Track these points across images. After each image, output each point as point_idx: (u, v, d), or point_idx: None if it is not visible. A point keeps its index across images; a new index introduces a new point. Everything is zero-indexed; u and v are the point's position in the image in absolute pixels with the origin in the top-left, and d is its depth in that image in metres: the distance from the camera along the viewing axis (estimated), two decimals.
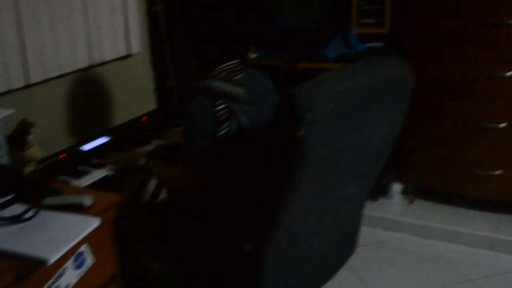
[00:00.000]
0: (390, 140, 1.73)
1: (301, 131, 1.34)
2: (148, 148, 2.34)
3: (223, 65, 1.82)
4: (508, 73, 2.73)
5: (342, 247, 1.93)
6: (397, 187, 3.22)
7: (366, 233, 2.95)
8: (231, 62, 1.83)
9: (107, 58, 2.53)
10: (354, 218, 1.92)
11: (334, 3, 3.23)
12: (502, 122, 2.81)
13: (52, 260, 1.32)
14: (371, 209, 3.10)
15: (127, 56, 2.68)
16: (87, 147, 2.28)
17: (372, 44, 3.12)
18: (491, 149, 2.88)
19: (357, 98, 1.47)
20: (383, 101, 1.58)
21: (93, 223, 1.48)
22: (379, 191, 3.20)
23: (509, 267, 2.73)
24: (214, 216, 1.89)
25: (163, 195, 2.55)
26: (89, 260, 1.53)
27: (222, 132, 1.75)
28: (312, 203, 1.57)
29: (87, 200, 1.58)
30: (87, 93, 2.51)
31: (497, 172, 2.89)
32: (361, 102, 1.49)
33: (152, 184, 2.51)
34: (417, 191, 3.21)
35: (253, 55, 3.28)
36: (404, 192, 3.23)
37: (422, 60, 2.90)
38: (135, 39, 2.64)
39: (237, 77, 1.83)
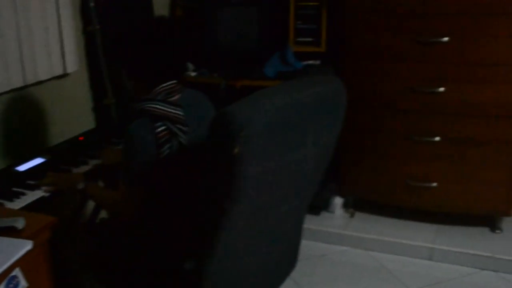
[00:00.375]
0: (326, 155, 1.76)
1: (236, 149, 1.35)
2: (86, 168, 2.30)
3: (161, 86, 1.81)
4: (441, 89, 2.83)
5: (283, 261, 1.94)
6: (338, 201, 3.27)
7: (308, 246, 2.99)
8: (168, 83, 1.82)
9: (42, 78, 2.48)
10: (294, 232, 1.93)
11: (272, 22, 3.28)
12: (436, 136, 2.91)
13: None
14: (313, 223, 3.14)
15: (64, 75, 2.63)
16: (23, 168, 2.21)
17: (309, 62, 3.19)
18: (426, 162, 2.98)
19: (292, 115, 1.50)
20: (318, 117, 1.60)
21: (25, 246, 1.44)
22: (320, 205, 3.24)
23: (448, 276, 2.81)
24: (154, 235, 1.87)
25: (102, 214, 2.51)
26: (23, 284, 1.48)
27: (164, 153, 1.74)
28: (251, 219, 1.57)
29: (19, 223, 1.54)
30: (23, 113, 2.45)
31: (433, 184, 2.98)
32: (296, 119, 1.51)
33: (91, 203, 2.46)
34: (357, 204, 3.27)
35: (193, 74, 3.29)
36: (345, 205, 3.29)
37: (358, 77, 2.97)
38: (71, 58, 2.60)
39: (174, 98, 1.82)
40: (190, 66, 3.33)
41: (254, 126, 1.36)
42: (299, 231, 1.96)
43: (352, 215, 3.25)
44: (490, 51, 2.73)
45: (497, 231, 3.02)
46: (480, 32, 2.72)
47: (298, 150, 1.57)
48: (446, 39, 2.76)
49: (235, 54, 3.30)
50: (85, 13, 2.73)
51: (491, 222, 3.04)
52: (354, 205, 3.27)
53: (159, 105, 1.77)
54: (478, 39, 2.73)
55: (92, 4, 2.67)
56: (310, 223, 3.09)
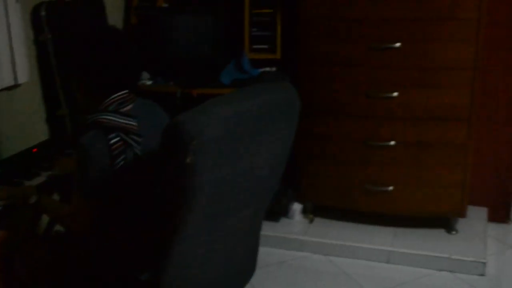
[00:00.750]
0: (281, 162, 1.76)
1: (188, 159, 1.34)
2: (40, 180, 2.24)
3: (112, 97, 1.78)
4: (394, 94, 2.88)
5: (242, 269, 1.93)
6: (297, 207, 3.28)
7: (268, 253, 2.99)
8: (119, 93, 1.79)
9: None
10: (252, 239, 1.93)
11: (227, 30, 3.29)
12: (391, 140, 2.95)
13: None
14: (272, 229, 3.14)
15: (14, 86, 2.57)
16: None
17: (265, 69, 3.20)
18: (383, 166, 3.02)
19: (245, 123, 1.49)
20: (271, 124, 1.61)
21: None
22: (279, 212, 3.25)
23: (406, 278, 2.84)
24: (110, 247, 1.84)
25: (58, 226, 2.46)
26: None
27: (118, 165, 1.72)
28: (206, 228, 1.57)
29: None
30: None
31: (390, 188, 3.02)
32: (249, 127, 1.51)
33: (46, 216, 2.41)
34: (316, 209, 3.28)
35: (148, 82, 3.26)
36: (304, 211, 3.30)
37: (314, 83, 3.00)
38: (22, 68, 2.54)
39: (127, 108, 1.80)
40: (146, 74, 3.30)
41: (206, 135, 1.36)
42: (257, 238, 1.96)
43: (311, 221, 3.27)
44: (439, 55, 2.79)
45: (453, 232, 3.07)
46: (430, 37, 2.78)
47: (252, 158, 1.57)
48: (398, 44, 2.81)
49: (191, 62, 3.29)
50: (36, 22, 2.67)
51: (446, 224, 3.09)
52: (313, 211, 3.28)
53: (111, 116, 1.74)
54: (428, 44, 2.79)
55: (43, 13, 2.62)
56: (269, 229, 3.09)
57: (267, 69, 3.21)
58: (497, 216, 3.28)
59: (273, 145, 1.64)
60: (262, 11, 3.24)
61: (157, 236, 1.57)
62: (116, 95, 1.79)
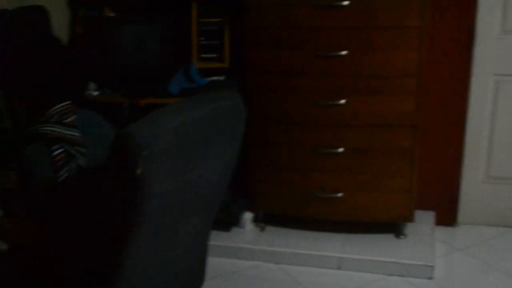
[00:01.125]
0: (228, 170, 1.76)
1: (138, 170, 1.32)
2: None
3: (55, 107, 1.74)
4: (341, 101, 2.91)
5: (191, 279, 1.91)
6: (248, 216, 3.27)
7: (220, 263, 2.97)
8: (61, 104, 1.75)
9: None
10: (200, 249, 1.91)
11: (175, 39, 3.26)
12: (339, 147, 2.98)
13: None
14: (223, 239, 3.12)
15: None
16: None
17: (214, 78, 3.19)
18: (332, 173, 3.04)
19: (192, 133, 1.48)
20: (218, 133, 1.61)
21: None
22: (230, 221, 3.23)
23: (356, 284, 2.87)
24: (57, 262, 1.79)
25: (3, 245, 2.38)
26: None
27: (62, 177, 1.68)
28: (157, 239, 1.54)
29: None
30: None
31: (339, 195, 3.05)
32: (196, 136, 1.50)
33: None
34: (267, 218, 3.28)
35: (95, 93, 3.21)
36: (255, 220, 3.29)
37: (263, 92, 3.00)
38: None
39: (69, 119, 1.76)
40: (92, 85, 3.24)
41: (156, 146, 1.34)
42: (205, 247, 1.94)
43: (262, 229, 3.26)
44: (385, 63, 2.84)
45: (402, 236, 3.12)
46: (376, 45, 2.82)
47: (200, 167, 1.56)
48: (345, 52, 2.85)
49: (138, 72, 3.25)
50: None
51: (395, 228, 3.14)
52: (265, 219, 3.28)
53: (54, 127, 1.70)
54: (374, 52, 2.83)
55: None
56: (221, 239, 3.08)
57: (216, 78, 3.20)
58: (444, 220, 3.35)
59: (220, 154, 1.64)
60: (210, 20, 3.24)
61: (106, 249, 1.54)
62: (58, 106, 1.75)
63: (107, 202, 1.49)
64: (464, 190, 3.34)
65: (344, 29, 2.84)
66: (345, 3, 2.78)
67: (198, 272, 1.94)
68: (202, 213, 1.73)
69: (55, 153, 1.67)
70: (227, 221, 3.19)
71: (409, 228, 3.15)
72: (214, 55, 3.23)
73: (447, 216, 3.36)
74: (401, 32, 2.80)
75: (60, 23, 3.28)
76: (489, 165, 3.30)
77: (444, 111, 3.21)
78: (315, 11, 2.84)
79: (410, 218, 3.08)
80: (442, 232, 3.29)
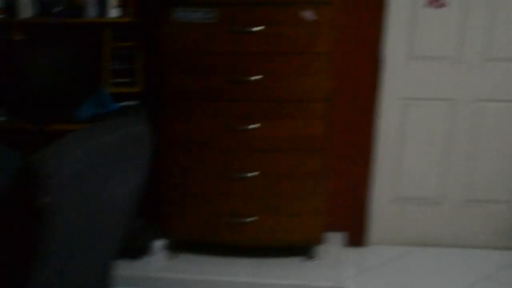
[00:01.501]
0: (135, 196, 1.75)
1: (45, 199, 1.29)
2: None
3: None
4: (254, 126, 2.95)
5: None
6: (159, 243, 3.23)
7: None
8: None
9: None
10: (103, 279, 1.88)
11: (87, 63, 3.21)
12: (252, 172, 3.01)
13: None
14: (134, 268, 3.07)
15: None
16: None
17: (126, 103, 3.16)
18: (246, 197, 3.07)
19: (101, 159, 1.48)
20: (124, 159, 1.60)
21: None
22: (142, 249, 3.18)
23: None
24: None
25: None
26: None
27: None
28: (63, 269, 1.51)
29: None
30: None
31: (252, 219, 3.07)
32: (103, 163, 1.49)
33: None
34: (181, 245, 3.26)
35: (2, 118, 3.10)
36: (168, 247, 3.26)
37: (176, 117, 2.99)
38: None
39: None
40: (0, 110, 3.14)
41: (64, 173, 1.32)
42: (108, 276, 1.91)
43: (175, 257, 3.23)
44: (297, 88, 2.90)
45: (313, 259, 3.17)
46: (289, 71, 2.88)
47: (109, 193, 1.55)
48: (257, 77, 2.88)
49: (48, 97, 3.17)
50: None
51: (307, 251, 3.19)
52: (177, 246, 3.25)
53: None
54: (287, 77, 2.89)
55: None
56: (131, 268, 3.03)
57: (128, 103, 3.16)
58: (355, 241, 3.44)
59: (127, 180, 1.64)
60: (123, 44, 3.20)
61: (11, 281, 1.49)
62: None
63: (9, 233, 1.44)
64: (373, 211, 3.44)
65: (258, 54, 2.88)
66: (259, 28, 2.83)
67: None
68: (107, 240, 1.71)
69: None
70: (138, 249, 3.14)
71: (320, 250, 3.20)
72: (127, 80, 3.19)
73: (358, 237, 3.45)
74: (311, 58, 2.87)
75: None
76: (397, 186, 3.42)
77: (354, 134, 3.30)
78: (230, 36, 2.86)
79: (321, 240, 3.14)
80: (353, 253, 3.38)
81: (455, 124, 3.30)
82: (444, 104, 3.27)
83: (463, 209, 3.44)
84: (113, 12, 3.12)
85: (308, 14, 2.80)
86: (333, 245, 3.30)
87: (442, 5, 3.12)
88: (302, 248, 3.19)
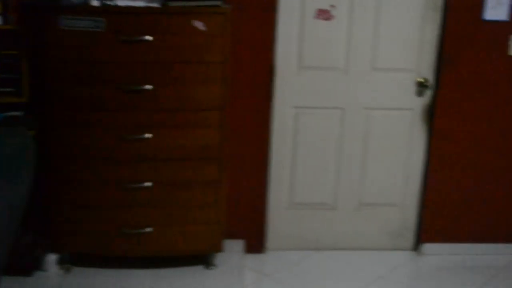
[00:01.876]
0: (18, 210, 1.67)
1: None
2: None
3: None
4: (147, 135, 2.91)
5: None
6: (51, 258, 3.10)
7: None
8: None
9: None
10: None
11: None
12: (146, 182, 2.97)
13: None
14: (25, 285, 2.94)
15: None
16: None
17: (11, 113, 3.01)
18: (141, 208, 3.02)
19: None
20: (6, 172, 1.53)
21: None
22: (32, 265, 3.04)
23: None
24: None
25: None
26: None
27: None
28: None
29: None
30: None
31: (148, 230, 3.02)
32: None
33: None
34: (74, 258, 3.14)
35: None
36: (61, 261, 3.13)
37: (65, 127, 2.90)
38: None
39: None
40: None
41: None
42: None
43: (68, 271, 3.11)
44: (190, 97, 2.90)
45: (212, 267, 3.17)
46: (182, 80, 2.87)
47: None
48: (148, 87, 2.85)
49: None
50: None
51: (206, 260, 3.18)
52: (71, 260, 3.13)
53: None
54: (180, 86, 2.88)
55: None
56: (22, 285, 2.89)
57: (13, 113, 3.01)
58: (253, 247, 3.46)
59: (8, 194, 1.56)
60: (7, 52, 3.05)
61: None
62: None
63: None
64: (270, 217, 3.49)
65: (148, 63, 2.85)
66: (149, 38, 2.80)
67: None
68: None
69: None
70: (28, 265, 3.00)
71: (219, 258, 3.21)
72: (11, 89, 3.04)
73: (256, 243, 3.47)
74: (204, 67, 2.87)
75: None
76: (293, 192, 3.49)
77: (249, 142, 3.33)
78: (118, 45, 2.81)
79: (219, 248, 3.14)
80: (252, 259, 3.39)
81: (346, 131, 3.41)
82: (335, 112, 3.38)
83: (356, 212, 3.55)
84: None
85: (200, 24, 2.81)
86: (232, 252, 3.32)
87: (328, 18, 3.23)
88: (201, 256, 3.18)
